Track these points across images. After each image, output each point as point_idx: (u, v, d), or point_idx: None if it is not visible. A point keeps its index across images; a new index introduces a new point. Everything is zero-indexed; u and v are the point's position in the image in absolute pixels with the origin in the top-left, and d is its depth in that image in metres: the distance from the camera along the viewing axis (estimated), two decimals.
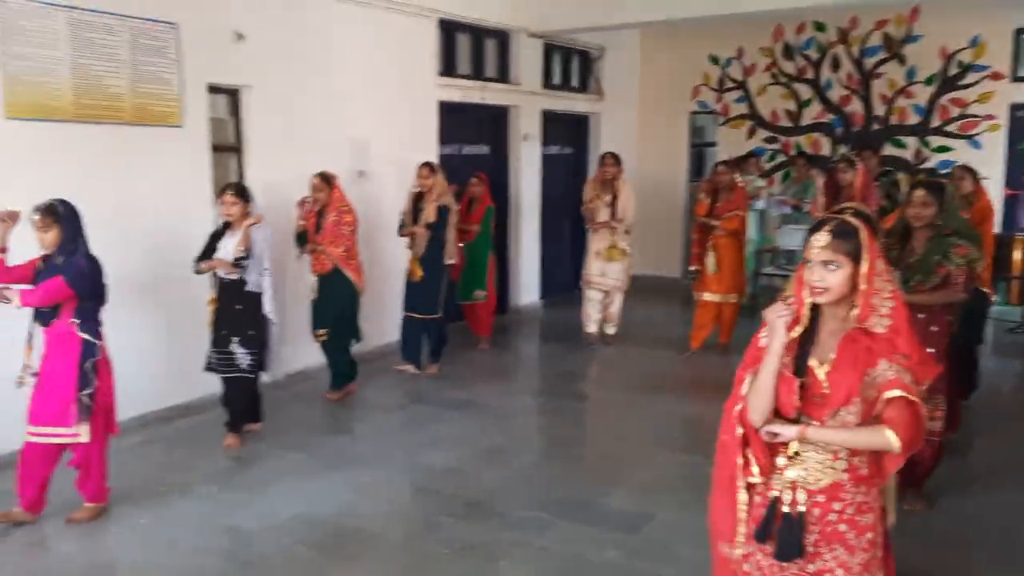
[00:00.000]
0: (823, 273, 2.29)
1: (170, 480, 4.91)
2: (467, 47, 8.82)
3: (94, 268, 4.26)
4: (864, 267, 2.27)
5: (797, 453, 2.35)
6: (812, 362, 2.34)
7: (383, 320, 7.47)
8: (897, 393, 2.23)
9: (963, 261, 4.11)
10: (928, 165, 9.99)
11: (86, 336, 4.25)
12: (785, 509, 2.36)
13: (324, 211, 6.18)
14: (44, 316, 4.22)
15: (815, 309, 2.38)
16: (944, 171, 9.69)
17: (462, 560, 3.99)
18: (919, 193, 4.20)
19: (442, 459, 5.25)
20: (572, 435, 6.01)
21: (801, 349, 2.36)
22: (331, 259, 6.17)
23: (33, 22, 5.11)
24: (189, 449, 5.43)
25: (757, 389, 2.36)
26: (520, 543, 4.15)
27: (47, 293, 4.11)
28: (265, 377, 5.78)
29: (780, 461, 2.39)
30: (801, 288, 2.38)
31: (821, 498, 2.34)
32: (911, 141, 10.11)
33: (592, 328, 8.22)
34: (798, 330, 2.37)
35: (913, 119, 10.07)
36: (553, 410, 6.40)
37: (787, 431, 2.32)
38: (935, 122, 9.96)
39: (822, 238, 2.30)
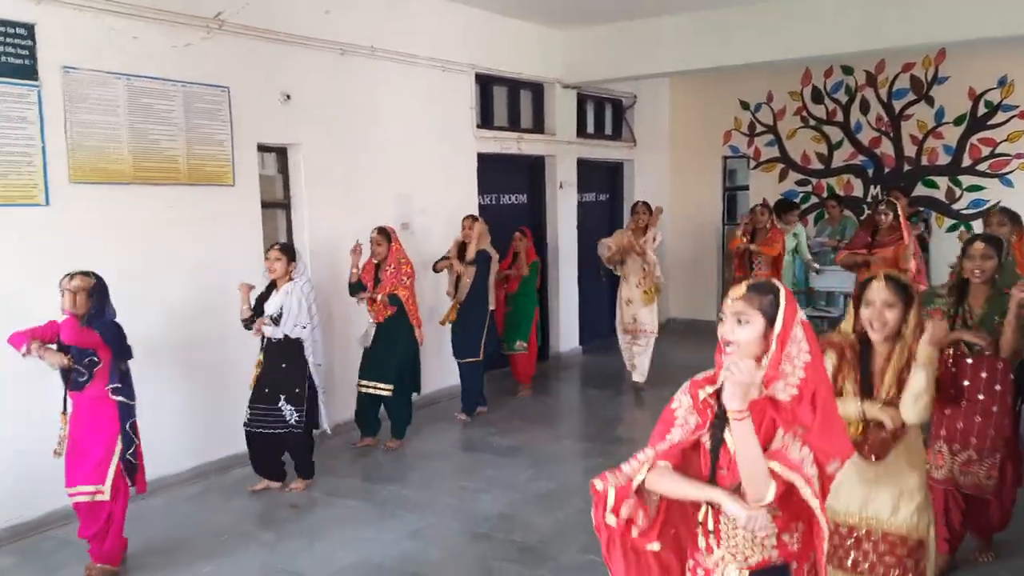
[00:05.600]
0: (733, 326, 2.17)
1: (230, 528, 5.04)
2: (503, 99, 9.07)
3: (121, 329, 4.41)
4: (778, 327, 2.13)
5: (712, 532, 2.25)
6: (727, 433, 2.19)
7: (433, 368, 7.60)
8: (774, 467, 2.09)
9: None
10: (960, 204, 10.03)
11: (122, 399, 4.38)
12: None
13: (382, 264, 6.37)
14: (75, 382, 4.31)
15: None
16: (978, 210, 9.76)
17: None
18: (979, 246, 4.01)
19: (494, 505, 5.32)
20: None
21: (719, 418, 2.22)
22: (395, 302, 6.33)
23: (95, 90, 5.37)
24: (246, 498, 5.56)
25: (675, 489, 2.23)
26: None
27: (83, 334, 4.21)
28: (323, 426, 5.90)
29: (701, 542, 2.29)
30: (719, 351, 2.23)
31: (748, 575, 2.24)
32: (942, 181, 10.17)
33: (638, 377, 8.29)
34: (709, 389, 2.25)
35: (944, 159, 10.13)
36: (599, 455, 6.44)
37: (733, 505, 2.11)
38: (966, 162, 10.01)
39: (738, 290, 2.20)
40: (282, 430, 5.50)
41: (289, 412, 5.48)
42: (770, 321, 2.15)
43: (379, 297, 6.31)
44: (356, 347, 6.61)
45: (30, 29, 5.04)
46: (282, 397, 5.47)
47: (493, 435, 6.86)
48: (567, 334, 10.00)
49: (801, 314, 2.18)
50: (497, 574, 4.37)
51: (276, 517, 5.25)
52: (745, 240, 7.98)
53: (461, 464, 6.29)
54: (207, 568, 4.52)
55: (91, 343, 4.25)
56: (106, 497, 4.33)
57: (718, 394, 2.23)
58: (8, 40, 4.96)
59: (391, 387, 6.43)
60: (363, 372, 6.52)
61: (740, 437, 2.10)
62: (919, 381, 3.02)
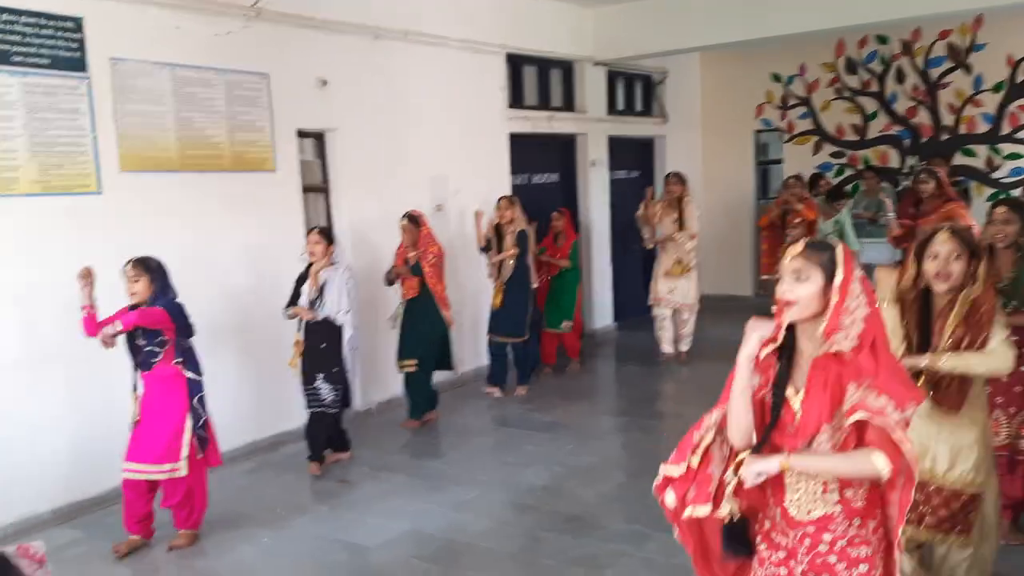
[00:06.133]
0: (792, 284, 2.20)
1: (284, 502, 5.23)
2: (533, 78, 9.09)
3: (183, 308, 4.56)
4: (839, 279, 2.16)
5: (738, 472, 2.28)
6: (788, 391, 2.24)
7: (468, 346, 7.73)
8: (861, 416, 2.11)
9: None
10: (1000, 173, 9.92)
11: (191, 375, 4.55)
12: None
13: (416, 246, 6.48)
14: (145, 362, 4.48)
15: (793, 335, 2.27)
16: (1018, 178, 9.65)
17: (569, 570, 4.18)
18: (1001, 211, 4.06)
19: (537, 478, 5.44)
20: (659, 452, 6.04)
21: (779, 377, 2.26)
22: (416, 272, 6.44)
23: (141, 80, 5.53)
24: (297, 473, 5.73)
25: (731, 410, 2.28)
26: (623, 554, 4.32)
27: (146, 315, 4.37)
28: (355, 406, 6.02)
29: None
30: (780, 310, 2.27)
31: (811, 528, 2.25)
32: (981, 149, 10.05)
33: (668, 348, 8.37)
34: (770, 348, 2.28)
35: (982, 127, 10.01)
36: (638, 429, 6.55)
37: (769, 465, 2.20)
38: (1005, 129, 9.89)
39: (796, 248, 2.24)
40: (318, 408, 5.66)
41: (326, 391, 5.62)
42: (829, 277, 2.19)
43: (410, 254, 6.40)
44: (392, 325, 6.72)
45: (78, 22, 5.20)
46: (319, 376, 5.62)
47: (532, 412, 6.98)
48: (601, 311, 10.08)
49: (858, 270, 2.23)
50: (545, 543, 4.49)
51: (327, 491, 5.42)
52: (775, 213, 8.00)
53: (502, 440, 6.41)
54: (265, 538, 4.71)
55: (157, 321, 4.39)
56: (183, 472, 4.49)
57: (778, 352, 2.29)
58: (58, 33, 5.12)
59: (415, 363, 6.56)
60: (399, 353, 6.66)
61: (815, 465, 2.20)
62: (969, 368, 3.13)
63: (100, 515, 5.12)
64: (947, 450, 3.23)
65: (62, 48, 5.15)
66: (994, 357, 3.13)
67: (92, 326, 4.44)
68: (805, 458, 2.18)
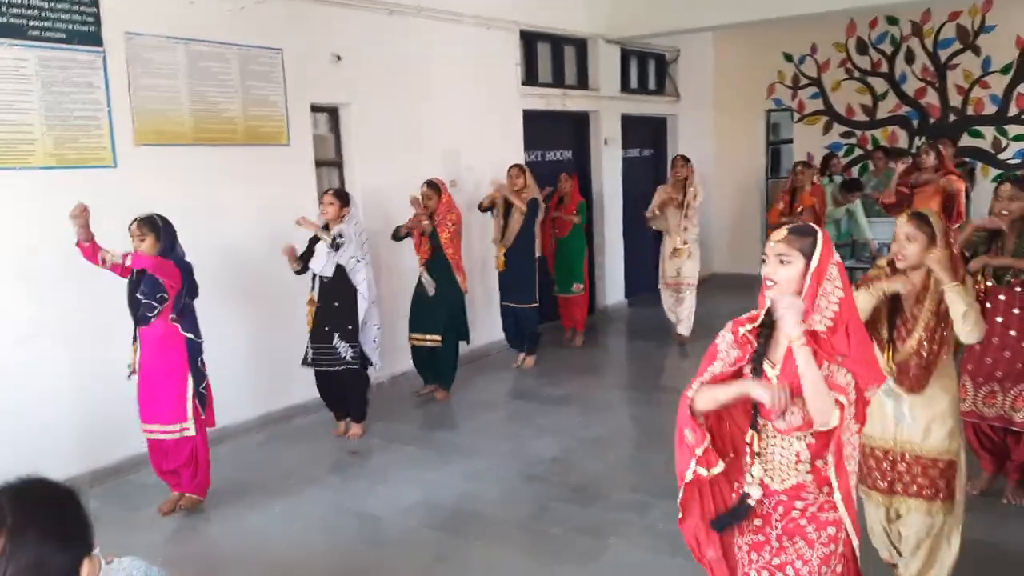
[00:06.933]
0: (775, 266, 2.31)
1: (296, 472, 5.32)
2: (547, 56, 9.10)
3: (191, 267, 4.62)
4: (814, 265, 2.27)
5: (758, 454, 2.37)
6: (766, 364, 2.35)
7: (480, 320, 7.80)
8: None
9: None
10: (1006, 154, 9.91)
11: (189, 335, 4.61)
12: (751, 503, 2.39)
13: (433, 216, 6.54)
14: (143, 317, 4.52)
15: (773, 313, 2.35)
16: (1022, 160, 9.64)
17: (575, 538, 4.28)
18: (1006, 188, 4.14)
19: (546, 450, 5.53)
20: (666, 425, 6.10)
21: (758, 351, 2.36)
22: (434, 240, 6.49)
23: (156, 55, 5.57)
24: (309, 444, 5.84)
25: (713, 397, 2.36)
26: (626, 523, 4.42)
27: (159, 264, 4.40)
28: (373, 373, 6.12)
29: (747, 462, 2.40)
30: (763, 290, 2.37)
31: (784, 497, 2.37)
32: (988, 131, 10.05)
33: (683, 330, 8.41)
34: (749, 326, 2.39)
35: (990, 109, 10.00)
36: (647, 403, 6.64)
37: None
38: (1012, 111, 9.88)
39: (780, 233, 2.34)
40: (339, 367, 5.73)
41: (344, 349, 5.70)
42: (809, 261, 2.29)
43: (425, 222, 6.44)
44: (407, 299, 6.78)
45: None
46: (336, 335, 5.69)
47: (543, 385, 7.07)
48: (613, 288, 10.14)
49: (836, 256, 2.33)
50: (552, 512, 4.59)
51: (339, 461, 5.52)
52: (780, 206, 8.03)
53: (513, 412, 6.51)
54: (278, 507, 4.80)
55: (168, 272, 4.43)
56: (192, 432, 4.59)
57: (758, 331, 2.39)
58: (74, 7, 5.16)
59: (439, 337, 6.63)
60: (412, 325, 6.72)
61: (805, 361, 2.24)
62: (956, 303, 3.15)
63: (115, 483, 5.23)
64: (920, 420, 3.31)
65: (77, 22, 5.19)
66: (961, 334, 3.18)
67: (92, 254, 4.46)
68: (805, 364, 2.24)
